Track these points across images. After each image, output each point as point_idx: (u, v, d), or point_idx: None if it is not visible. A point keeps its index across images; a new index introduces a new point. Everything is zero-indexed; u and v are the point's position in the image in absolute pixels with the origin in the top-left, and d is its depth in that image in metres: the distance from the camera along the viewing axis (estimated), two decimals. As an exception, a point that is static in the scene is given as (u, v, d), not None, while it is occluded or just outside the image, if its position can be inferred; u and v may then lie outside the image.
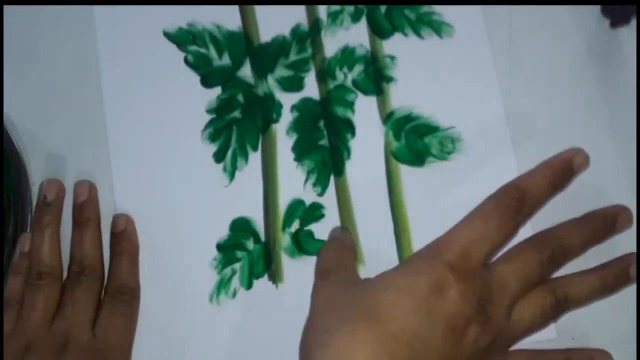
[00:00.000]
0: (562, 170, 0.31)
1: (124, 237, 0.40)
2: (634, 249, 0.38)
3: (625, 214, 0.32)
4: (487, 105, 0.41)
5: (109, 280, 0.40)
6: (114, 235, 0.40)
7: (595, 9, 0.41)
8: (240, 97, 0.42)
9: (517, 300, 0.30)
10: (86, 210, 0.40)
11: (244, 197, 0.41)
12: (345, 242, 0.36)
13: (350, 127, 0.42)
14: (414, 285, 0.29)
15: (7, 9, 0.44)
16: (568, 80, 0.41)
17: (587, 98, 0.41)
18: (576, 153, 0.31)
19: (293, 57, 0.43)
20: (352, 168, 0.41)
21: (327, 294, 0.32)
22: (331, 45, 0.43)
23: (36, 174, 0.42)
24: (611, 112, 0.41)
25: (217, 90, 0.42)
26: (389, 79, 0.42)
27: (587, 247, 0.32)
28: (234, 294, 0.40)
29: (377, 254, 0.40)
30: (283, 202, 0.41)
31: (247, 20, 0.43)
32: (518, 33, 0.42)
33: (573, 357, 0.33)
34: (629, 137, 0.40)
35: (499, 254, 0.31)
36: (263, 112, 0.42)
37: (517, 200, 0.30)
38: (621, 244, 0.35)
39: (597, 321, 0.38)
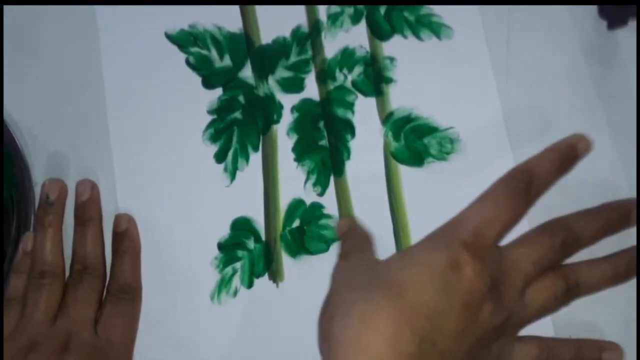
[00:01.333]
0: (567, 154, 0.32)
1: (126, 236, 0.41)
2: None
3: None
4: (485, 106, 0.41)
5: (111, 279, 0.40)
6: (116, 235, 0.41)
7: (593, 10, 0.41)
8: (241, 98, 0.43)
9: (530, 283, 0.31)
10: (88, 209, 0.41)
11: (244, 197, 0.41)
12: (363, 231, 0.37)
13: (350, 127, 0.42)
14: (431, 260, 0.30)
15: (10, 9, 0.44)
16: (565, 81, 0.41)
17: (585, 99, 0.41)
18: (580, 139, 0.32)
19: (293, 58, 0.43)
20: (352, 168, 0.41)
21: (348, 270, 0.33)
22: (331, 46, 0.43)
23: (39, 174, 0.42)
24: (609, 114, 0.41)
25: (218, 91, 0.43)
26: (389, 80, 0.42)
27: (600, 237, 0.33)
28: (235, 293, 0.40)
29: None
30: (283, 201, 0.41)
31: (248, 22, 0.43)
32: (516, 34, 0.42)
33: (584, 346, 0.33)
34: (628, 139, 0.40)
35: (514, 239, 0.32)
36: (264, 112, 0.42)
37: (525, 182, 0.31)
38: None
39: (596, 321, 0.38)
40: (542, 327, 0.38)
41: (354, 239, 0.36)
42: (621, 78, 0.41)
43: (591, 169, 0.40)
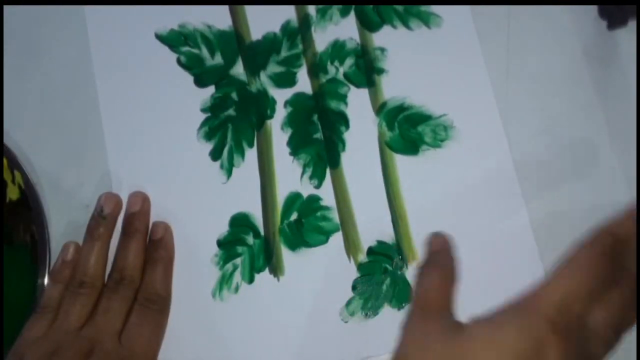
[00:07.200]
0: None
1: (161, 244, 0.40)
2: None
3: None
4: (477, 91, 0.41)
5: (141, 287, 0.40)
6: (152, 242, 0.40)
7: (593, 10, 0.41)
8: (234, 95, 0.43)
9: (611, 346, 0.29)
10: (137, 221, 0.40)
11: (242, 193, 0.41)
12: (448, 269, 0.33)
13: (344, 119, 0.42)
14: (515, 345, 0.28)
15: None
16: (565, 81, 0.41)
17: (584, 100, 0.41)
18: None
19: (284, 53, 0.43)
20: (348, 160, 0.42)
21: (423, 334, 0.30)
22: (321, 40, 0.43)
23: (36, 180, 0.42)
24: (609, 114, 0.40)
25: (211, 89, 0.43)
26: (380, 71, 0.42)
27: None
28: (237, 289, 0.41)
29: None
30: (281, 196, 0.41)
31: (238, 19, 0.44)
32: (515, 34, 0.42)
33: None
34: (627, 139, 0.40)
35: (590, 298, 0.29)
36: (257, 108, 0.43)
37: (610, 246, 0.29)
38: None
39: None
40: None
41: (439, 283, 0.32)
42: (621, 78, 0.41)
43: (591, 169, 0.40)
